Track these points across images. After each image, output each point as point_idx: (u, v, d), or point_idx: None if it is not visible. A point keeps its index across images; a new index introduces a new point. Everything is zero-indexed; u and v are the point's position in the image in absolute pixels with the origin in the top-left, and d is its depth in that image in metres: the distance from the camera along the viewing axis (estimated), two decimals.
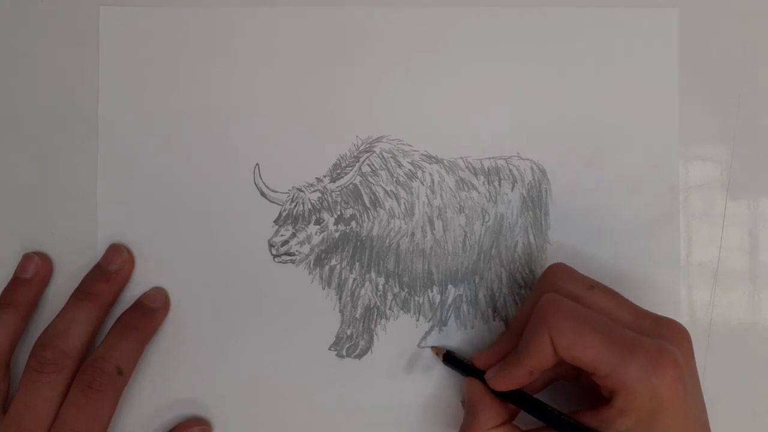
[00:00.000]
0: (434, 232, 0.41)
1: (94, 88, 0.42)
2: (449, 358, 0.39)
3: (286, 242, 0.41)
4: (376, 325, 0.41)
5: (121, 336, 0.39)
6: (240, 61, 0.42)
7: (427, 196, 0.41)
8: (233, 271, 0.41)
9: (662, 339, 0.33)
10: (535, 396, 0.36)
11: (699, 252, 0.41)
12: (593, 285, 0.36)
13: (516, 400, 0.35)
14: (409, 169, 0.41)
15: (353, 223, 0.41)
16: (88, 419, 0.37)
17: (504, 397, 0.35)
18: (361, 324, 0.41)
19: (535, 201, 0.41)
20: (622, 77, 0.41)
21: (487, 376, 0.36)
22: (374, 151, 0.41)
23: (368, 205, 0.41)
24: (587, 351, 0.32)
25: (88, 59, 0.42)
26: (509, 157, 0.41)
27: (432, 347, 0.41)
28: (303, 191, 0.41)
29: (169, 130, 0.41)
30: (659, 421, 0.31)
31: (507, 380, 0.35)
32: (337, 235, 0.41)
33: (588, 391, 0.37)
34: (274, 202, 0.41)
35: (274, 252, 0.41)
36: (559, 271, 0.37)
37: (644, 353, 0.31)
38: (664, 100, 0.41)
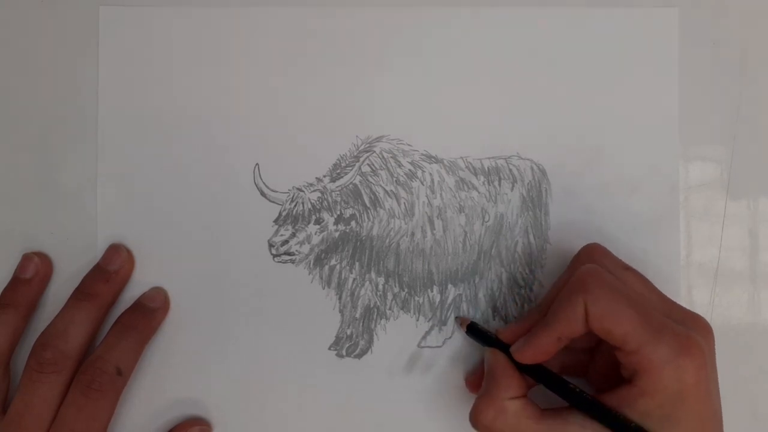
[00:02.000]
0: (434, 232, 0.41)
1: (94, 88, 0.42)
2: (473, 330, 0.39)
3: (285, 242, 0.41)
4: (376, 325, 0.41)
5: (120, 336, 0.39)
6: (240, 61, 0.42)
7: (427, 196, 0.41)
8: (233, 270, 0.41)
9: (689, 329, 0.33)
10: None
11: (699, 252, 0.41)
12: (628, 267, 0.36)
13: (538, 375, 0.35)
14: (409, 169, 0.41)
15: (353, 223, 0.41)
16: (87, 419, 0.37)
17: (527, 372, 0.35)
18: (361, 324, 0.41)
19: (535, 201, 0.41)
20: (622, 77, 0.41)
21: (512, 349, 0.35)
22: (374, 151, 0.41)
23: (368, 204, 0.41)
24: (620, 323, 0.32)
25: (88, 59, 0.42)
26: (509, 157, 0.41)
27: (456, 317, 0.41)
28: (303, 191, 0.41)
29: (169, 130, 0.41)
30: (681, 405, 0.31)
31: (533, 349, 0.34)
32: (337, 234, 0.41)
33: (594, 386, 0.37)
34: (274, 202, 0.41)
35: (273, 252, 0.41)
36: (596, 250, 0.37)
37: (674, 336, 0.31)
38: (664, 100, 0.41)
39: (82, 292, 0.39)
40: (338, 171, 0.41)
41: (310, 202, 0.41)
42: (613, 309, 0.32)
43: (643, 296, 0.34)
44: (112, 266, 0.40)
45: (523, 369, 0.35)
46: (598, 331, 0.32)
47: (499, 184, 0.41)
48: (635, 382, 0.32)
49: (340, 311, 0.41)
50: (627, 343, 0.32)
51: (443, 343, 0.41)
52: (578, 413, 0.33)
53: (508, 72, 0.41)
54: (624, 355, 0.32)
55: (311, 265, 0.41)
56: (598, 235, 0.41)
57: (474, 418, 0.34)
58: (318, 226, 0.41)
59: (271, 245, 0.41)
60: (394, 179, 0.41)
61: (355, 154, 0.41)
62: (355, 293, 0.41)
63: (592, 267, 0.34)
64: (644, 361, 0.31)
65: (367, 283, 0.41)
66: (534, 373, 0.35)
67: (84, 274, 0.40)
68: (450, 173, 0.41)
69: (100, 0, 0.42)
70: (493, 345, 0.37)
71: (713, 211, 0.42)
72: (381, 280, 0.41)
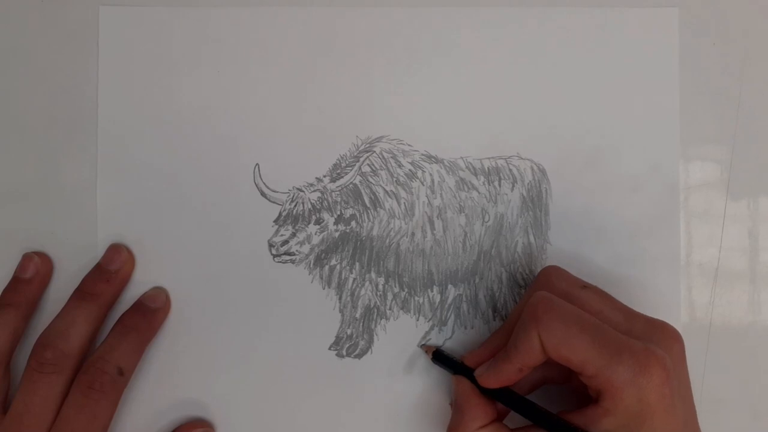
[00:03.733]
0: (434, 232, 0.41)
1: (94, 88, 0.42)
2: (439, 356, 0.39)
3: (285, 242, 0.41)
4: (376, 325, 0.41)
5: (121, 336, 0.39)
6: (240, 61, 0.42)
7: (427, 196, 0.41)
8: (233, 271, 0.41)
9: (653, 341, 0.33)
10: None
11: (699, 252, 0.41)
12: (586, 285, 0.36)
13: (504, 398, 0.35)
14: (409, 169, 0.41)
15: (353, 223, 0.41)
16: (88, 419, 0.37)
17: (492, 395, 0.36)
18: (361, 324, 0.41)
19: (535, 201, 0.41)
20: (622, 77, 0.41)
21: (476, 374, 0.36)
22: (374, 151, 0.41)
23: (368, 205, 0.41)
24: (575, 351, 0.32)
25: (88, 59, 0.42)
26: (509, 157, 0.41)
27: (422, 345, 0.41)
28: (303, 191, 0.41)
29: (169, 130, 0.41)
30: (645, 422, 0.31)
31: (496, 377, 0.35)
32: (337, 235, 0.41)
33: (577, 394, 0.37)
34: (274, 202, 0.41)
35: (274, 252, 0.41)
36: (553, 272, 0.37)
37: (632, 356, 0.31)
38: (664, 100, 0.41)
39: (83, 292, 0.39)
40: (338, 171, 0.41)
41: (310, 202, 0.41)
42: (567, 337, 0.32)
43: (600, 315, 0.34)
44: (113, 266, 0.40)
45: (489, 393, 0.35)
46: (557, 359, 0.32)
47: (499, 184, 0.41)
48: (600, 403, 0.32)
49: (340, 311, 0.41)
50: (585, 368, 0.32)
51: (443, 343, 0.41)
52: (543, 431, 0.34)
53: (508, 72, 0.41)
54: (586, 379, 0.32)
55: (311, 265, 0.41)
56: (598, 234, 0.41)
57: None
58: (318, 226, 0.41)
59: (271, 245, 0.41)
60: (394, 179, 0.41)
61: (355, 154, 0.41)
62: (355, 293, 0.41)
63: (544, 295, 0.34)
64: (604, 384, 0.31)
65: (367, 283, 0.41)
66: (499, 396, 0.35)
67: (84, 274, 0.40)
68: (450, 173, 0.41)
69: (100, 0, 0.42)
70: (459, 371, 0.37)
71: (713, 211, 0.42)
72: (381, 280, 0.41)
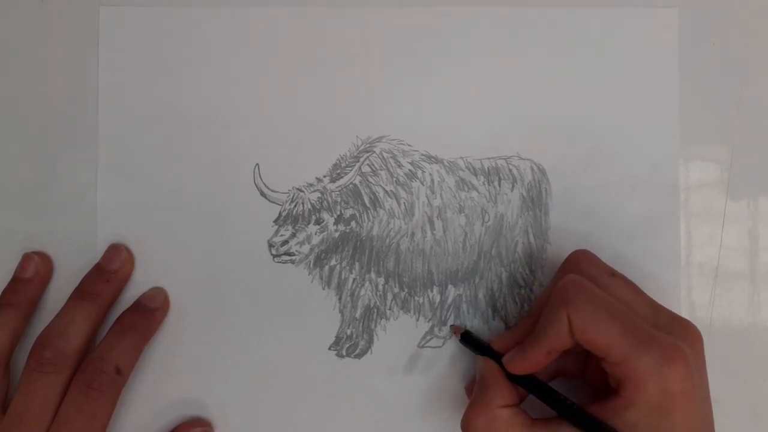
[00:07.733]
0: (434, 232, 0.41)
1: (94, 88, 0.42)
2: (467, 338, 0.39)
3: (285, 242, 0.41)
4: (376, 325, 0.41)
5: (120, 336, 0.39)
6: (240, 61, 0.42)
7: (427, 196, 0.41)
8: (233, 271, 0.41)
9: (677, 337, 0.33)
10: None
11: (699, 252, 0.41)
12: (615, 274, 0.36)
13: (529, 385, 0.35)
14: (409, 169, 0.41)
15: (353, 223, 0.41)
16: (87, 419, 0.37)
17: (517, 381, 0.35)
18: (361, 324, 0.41)
19: (535, 201, 0.41)
20: (622, 77, 0.41)
21: (504, 359, 0.36)
22: (374, 151, 0.41)
23: (368, 205, 0.41)
24: (603, 335, 0.32)
25: (88, 59, 0.42)
26: (509, 157, 0.41)
27: (451, 326, 0.41)
28: (303, 191, 0.41)
29: (169, 130, 0.41)
30: (667, 415, 0.31)
31: (524, 362, 0.35)
32: (336, 235, 0.41)
33: (591, 388, 0.37)
34: (274, 202, 0.41)
35: (273, 252, 0.41)
36: (583, 256, 0.37)
37: (658, 346, 0.31)
38: (664, 100, 0.41)
39: (82, 292, 0.39)
40: (338, 171, 0.41)
41: (310, 203, 0.41)
42: (596, 320, 0.32)
43: (628, 305, 0.34)
44: (113, 266, 0.40)
45: (513, 379, 0.35)
46: (583, 343, 0.32)
47: (499, 185, 0.41)
48: (621, 393, 0.32)
49: (340, 311, 0.41)
50: (610, 354, 0.32)
51: (443, 343, 0.41)
52: (568, 423, 0.33)
53: (509, 72, 0.41)
54: (609, 366, 0.32)
55: (311, 266, 0.41)
56: (598, 234, 0.41)
57: (465, 425, 0.35)
58: (318, 227, 0.41)
59: (271, 245, 0.41)
60: (394, 179, 0.41)
61: (355, 154, 0.41)
62: (355, 293, 0.41)
63: (574, 278, 0.34)
64: (629, 372, 0.31)
65: (367, 283, 0.41)
66: (525, 383, 0.35)
67: (84, 274, 0.40)
68: (450, 173, 0.41)
69: (100, 0, 0.42)
70: (486, 354, 0.37)
71: (713, 211, 0.42)
72: (381, 281, 0.41)
